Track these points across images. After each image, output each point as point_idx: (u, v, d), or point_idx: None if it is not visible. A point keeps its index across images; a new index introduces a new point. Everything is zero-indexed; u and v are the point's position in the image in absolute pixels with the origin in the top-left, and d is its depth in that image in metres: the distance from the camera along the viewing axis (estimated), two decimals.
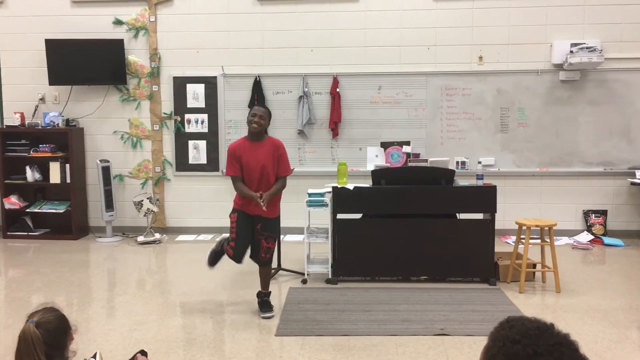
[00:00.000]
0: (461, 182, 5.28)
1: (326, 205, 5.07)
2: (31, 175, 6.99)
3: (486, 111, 6.86)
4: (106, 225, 7.00)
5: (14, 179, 7.05)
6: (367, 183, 5.19)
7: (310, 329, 3.93)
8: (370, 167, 6.37)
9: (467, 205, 5.04)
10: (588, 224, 6.84)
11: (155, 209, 6.88)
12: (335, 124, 6.90)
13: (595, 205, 6.88)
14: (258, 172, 4.10)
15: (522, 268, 4.73)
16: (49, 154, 6.94)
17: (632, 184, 6.68)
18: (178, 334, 3.89)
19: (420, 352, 3.54)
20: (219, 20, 7.00)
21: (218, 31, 7.01)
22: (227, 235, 4.32)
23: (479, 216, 5.12)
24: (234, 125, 7.04)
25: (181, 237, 7.04)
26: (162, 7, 7.05)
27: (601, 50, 6.54)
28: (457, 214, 5.13)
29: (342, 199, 5.02)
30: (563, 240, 6.61)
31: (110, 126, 7.21)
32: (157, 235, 6.81)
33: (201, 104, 7.10)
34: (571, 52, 6.54)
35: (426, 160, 5.62)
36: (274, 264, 5.25)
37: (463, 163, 6.82)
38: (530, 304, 4.47)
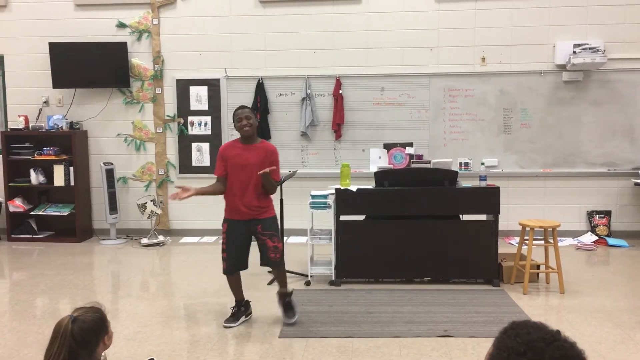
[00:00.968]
0: (464, 183, 5.28)
1: (329, 206, 5.08)
2: (35, 178, 7.01)
3: (489, 112, 6.85)
4: (110, 227, 7.01)
5: (18, 181, 7.07)
6: (370, 184, 5.20)
7: (313, 331, 3.93)
8: (373, 168, 6.35)
9: (470, 207, 5.04)
10: (592, 224, 6.82)
11: (159, 211, 6.90)
12: (338, 126, 6.90)
13: (599, 205, 6.86)
14: (246, 174, 3.93)
15: (526, 269, 4.72)
16: (53, 157, 6.96)
17: (636, 184, 6.66)
18: (182, 336, 3.90)
19: (424, 354, 3.54)
20: (221, 23, 7.01)
21: (221, 34, 7.03)
22: (288, 292, 4.13)
23: (483, 217, 5.11)
24: None
25: (185, 239, 7.05)
26: (165, 10, 7.07)
27: (604, 50, 6.53)
28: (461, 215, 5.12)
29: (345, 200, 5.02)
30: (567, 241, 6.59)
31: (113, 129, 7.23)
32: (161, 238, 6.83)
33: (204, 106, 7.11)
34: (574, 52, 6.54)
35: (429, 162, 5.60)
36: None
37: (466, 164, 6.79)
38: (534, 305, 4.46)
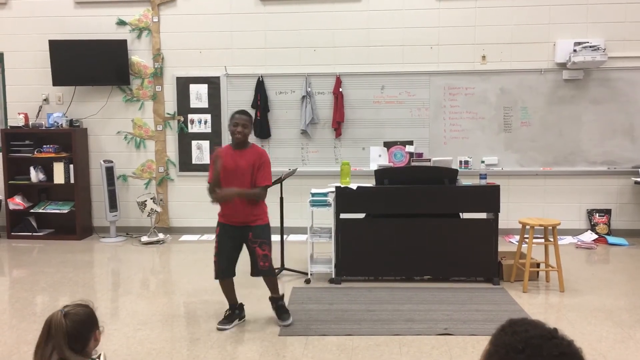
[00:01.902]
0: (464, 181, 5.28)
1: (329, 205, 5.08)
2: (35, 175, 7.01)
3: (489, 110, 6.85)
4: (110, 225, 7.01)
5: (18, 179, 7.07)
6: (370, 183, 5.20)
7: (313, 329, 3.94)
8: (374, 166, 6.37)
9: (470, 205, 5.04)
10: (592, 223, 6.82)
11: (159, 209, 6.90)
12: (338, 124, 6.90)
13: (599, 204, 6.86)
14: (237, 180, 3.88)
15: (526, 267, 4.73)
16: (53, 155, 6.95)
17: (636, 183, 6.65)
18: (182, 333, 3.90)
19: (424, 352, 3.54)
20: (221, 21, 7.00)
21: (221, 31, 7.02)
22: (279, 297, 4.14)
23: (483, 216, 5.11)
24: None
25: (185, 237, 7.05)
26: (165, 7, 7.06)
27: (604, 49, 6.52)
28: (461, 214, 5.12)
29: (345, 198, 5.02)
30: (567, 240, 6.59)
31: (113, 127, 7.22)
32: (161, 235, 6.83)
33: (204, 104, 7.11)
34: (574, 51, 6.53)
35: (429, 160, 5.60)
36: (277, 264, 5.26)
37: (466, 162, 6.81)
38: (534, 304, 4.46)
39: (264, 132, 6.91)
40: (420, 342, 3.68)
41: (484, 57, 6.82)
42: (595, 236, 6.63)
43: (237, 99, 7.00)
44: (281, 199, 5.34)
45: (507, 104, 6.82)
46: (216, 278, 4.05)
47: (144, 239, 6.76)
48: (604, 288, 4.83)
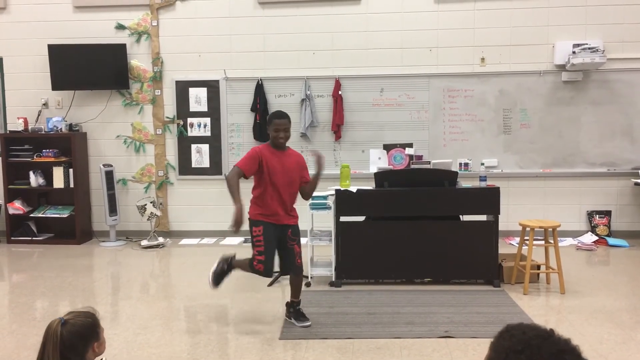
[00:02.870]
0: (464, 183, 5.27)
1: (329, 208, 5.07)
2: (35, 180, 7.01)
3: (489, 112, 6.85)
4: (110, 229, 7.00)
5: (17, 184, 7.06)
6: (370, 185, 5.19)
7: (314, 332, 3.93)
8: (373, 169, 6.35)
9: (470, 207, 5.03)
10: (592, 224, 6.82)
11: (159, 213, 6.89)
12: (337, 127, 6.90)
13: (599, 205, 6.86)
14: (287, 179, 3.93)
15: (526, 269, 4.72)
16: (53, 159, 6.95)
17: (636, 184, 6.65)
18: (182, 338, 3.89)
19: (425, 355, 3.53)
20: (220, 24, 7.01)
21: (220, 35, 7.02)
22: (227, 255, 4.18)
23: (483, 218, 5.10)
24: (236, 129, 7.05)
25: (184, 241, 7.05)
26: (164, 11, 7.07)
27: (603, 50, 6.53)
28: (461, 216, 5.11)
29: (345, 201, 5.01)
30: (567, 242, 6.59)
31: (113, 131, 7.23)
32: (161, 239, 6.82)
33: (204, 107, 7.11)
34: (573, 52, 6.53)
35: (429, 162, 5.60)
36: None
37: (466, 165, 6.81)
38: (534, 306, 4.45)
39: (263, 135, 6.91)
40: (421, 345, 3.68)
41: (483, 59, 6.83)
42: (596, 238, 6.62)
43: (236, 102, 7.01)
44: None
45: (507, 106, 6.83)
46: (265, 275, 4.00)
47: (144, 243, 6.75)
48: (605, 289, 4.83)
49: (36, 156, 6.98)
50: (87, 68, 6.95)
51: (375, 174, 5.22)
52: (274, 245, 3.99)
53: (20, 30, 7.16)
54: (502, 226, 5.18)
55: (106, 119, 7.20)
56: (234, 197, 3.72)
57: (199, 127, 7.14)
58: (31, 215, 7.08)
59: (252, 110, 6.96)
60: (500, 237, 5.19)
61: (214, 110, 7.09)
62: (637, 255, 6.07)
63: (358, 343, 3.73)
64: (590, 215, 6.85)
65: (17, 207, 7.04)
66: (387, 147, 6.89)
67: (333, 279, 5.05)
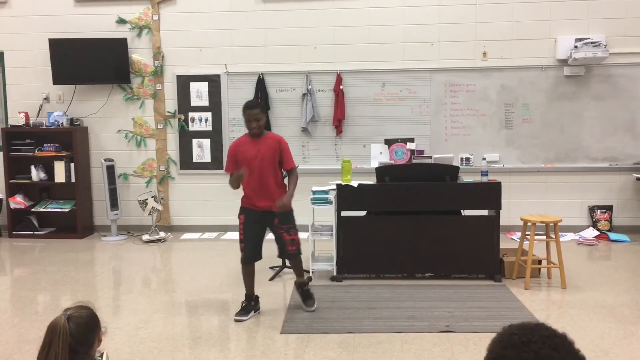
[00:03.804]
0: (466, 178, 5.26)
1: (330, 202, 5.07)
2: (36, 174, 7.01)
3: (490, 107, 6.83)
4: (111, 224, 7.01)
5: (19, 178, 7.07)
6: (371, 180, 5.19)
7: (315, 327, 3.93)
8: (375, 164, 6.36)
9: (471, 202, 5.03)
10: (593, 219, 6.81)
11: (160, 208, 6.89)
12: (339, 121, 6.89)
13: (600, 200, 6.85)
14: (257, 163, 4.04)
15: (528, 264, 4.72)
16: (54, 154, 6.95)
17: (638, 179, 6.64)
18: (183, 332, 3.90)
19: (426, 349, 3.54)
20: (222, 19, 6.99)
21: (221, 29, 7.00)
22: (300, 281, 4.33)
23: (484, 213, 5.10)
24: (237, 123, 7.04)
25: (186, 236, 7.05)
26: (165, 5, 7.05)
27: (606, 45, 6.50)
28: (462, 211, 5.11)
29: (346, 196, 5.01)
30: (568, 236, 6.58)
31: (114, 125, 7.22)
32: (162, 234, 6.83)
33: (205, 102, 7.10)
34: (575, 47, 6.51)
35: (430, 157, 5.60)
36: (279, 262, 5.26)
37: (467, 159, 6.80)
38: (535, 300, 4.45)
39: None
40: (422, 340, 3.68)
41: (484, 53, 6.81)
42: (597, 233, 6.62)
43: (237, 96, 6.99)
44: None
45: (508, 101, 6.81)
46: (243, 263, 4.19)
47: (145, 237, 6.76)
48: (606, 284, 4.82)
49: (37, 151, 6.98)
50: (88, 62, 6.94)
51: (377, 168, 5.22)
52: (254, 233, 4.12)
53: (21, 25, 7.15)
54: (503, 221, 5.18)
55: (107, 113, 7.19)
56: (236, 175, 4.00)
57: (200, 121, 7.13)
58: (32, 209, 7.09)
59: (260, 105, 6.94)
60: (502, 232, 5.19)
61: (215, 105, 7.08)
62: (639, 250, 6.06)
63: (359, 337, 3.73)
64: (592, 210, 6.84)
65: (18, 201, 7.05)
66: (389, 142, 6.89)
67: (334, 274, 5.06)
